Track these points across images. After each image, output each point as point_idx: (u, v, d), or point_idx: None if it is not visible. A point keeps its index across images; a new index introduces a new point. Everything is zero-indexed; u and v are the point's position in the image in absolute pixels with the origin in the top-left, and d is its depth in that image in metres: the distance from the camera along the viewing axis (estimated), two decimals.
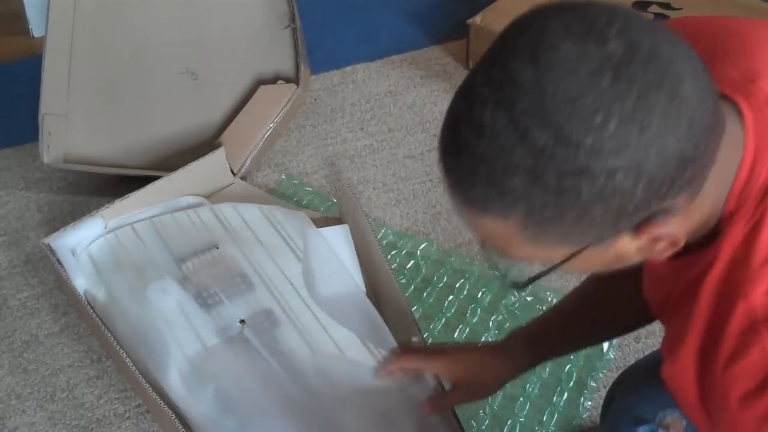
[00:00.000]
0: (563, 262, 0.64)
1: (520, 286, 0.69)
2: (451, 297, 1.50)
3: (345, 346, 1.30)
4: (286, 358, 1.28)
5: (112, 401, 1.36)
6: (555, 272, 0.66)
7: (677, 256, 0.68)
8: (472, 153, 0.59)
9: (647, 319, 0.98)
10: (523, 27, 0.59)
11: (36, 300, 1.51)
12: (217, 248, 1.44)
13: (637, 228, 0.61)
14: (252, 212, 1.53)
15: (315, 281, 1.39)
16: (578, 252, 0.62)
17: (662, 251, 0.64)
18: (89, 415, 1.35)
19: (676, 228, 0.62)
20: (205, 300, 1.36)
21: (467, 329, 1.45)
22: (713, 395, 0.67)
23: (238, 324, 1.32)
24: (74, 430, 1.33)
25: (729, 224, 0.66)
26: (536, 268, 0.68)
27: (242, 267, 1.41)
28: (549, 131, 0.55)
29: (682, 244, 0.63)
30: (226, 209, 1.53)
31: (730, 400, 0.65)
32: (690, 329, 0.69)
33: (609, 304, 0.98)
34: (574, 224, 0.59)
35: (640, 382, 0.97)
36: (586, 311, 1.00)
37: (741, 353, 0.64)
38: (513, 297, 1.49)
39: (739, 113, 0.66)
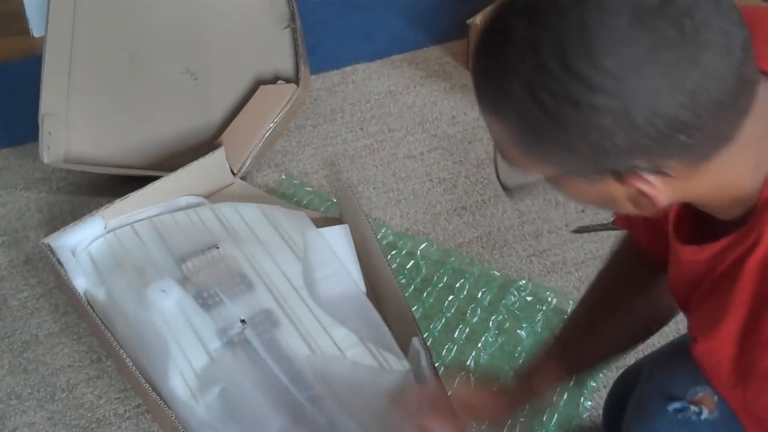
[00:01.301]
0: (550, 180, 0.67)
1: (507, 189, 0.72)
2: (451, 297, 1.50)
3: (345, 347, 1.30)
4: (286, 360, 1.28)
5: (112, 401, 1.36)
6: (546, 190, 0.69)
7: (712, 238, 0.69)
8: (491, 53, 0.63)
9: (663, 320, 0.99)
10: None
11: (36, 300, 1.51)
12: (218, 248, 1.44)
13: (620, 176, 0.63)
14: (252, 212, 1.52)
15: (315, 281, 1.39)
16: (564, 176, 0.65)
17: (646, 207, 0.66)
18: (89, 415, 1.35)
19: (664, 191, 0.63)
20: (205, 300, 1.36)
21: (467, 329, 1.45)
22: (753, 372, 0.68)
23: (239, 324, 1.32)
24: (74, 430, 1.33)
25: None
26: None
27: (242, 267, 1.41)
28: (556, 53, 0.58)
29: (661, 206, 0.65)
30: (226, 209, 1.53)
31: None
32: (730, 309, 0.69)
33: (623, 297, 0.99)
34: (558, 148, 0.62)
35: (671, 362, 0.94)
36: (604, 306, 1.00)
37: None
38: (513, 297, 1.49)
39: None
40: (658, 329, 1.01)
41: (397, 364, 1.27)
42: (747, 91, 0.61)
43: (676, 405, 0.84)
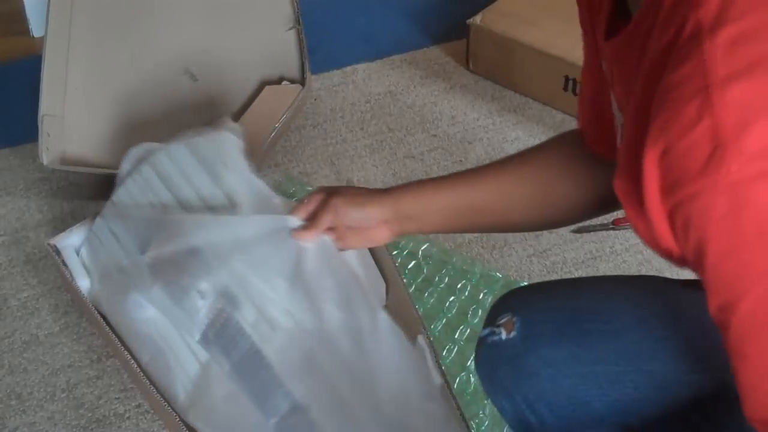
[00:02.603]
0: None
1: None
2: (452, 298, 1.50)
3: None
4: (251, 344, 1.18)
5: (112, 401, 1.36)
6: None
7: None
8: None
9: (594, 211, 1.01)
10: None
11: (36, 300, 1.51)
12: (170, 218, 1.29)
13: None
14: (183, 156, 1.34)
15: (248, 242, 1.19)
16: None
17: None
18: (89, 415, 1.35)
19: None
20: (174, 294, 1.24)
21: (468, 330, 1.45)
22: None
23: (206, 320, 1.20)
24: (74, 430, 1.33)
25: None
26: None
27: (191, 239, 1.23)
28: None
29: None
30: (162, 158, 1.36)
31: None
32: (640, 79, 0.66)
33: (550, 174, 0.98)
34: None
35: (493, 303, 1.03)
36: (526, 176, 0.99)
37: (678, 65, 0.60)
38: None
39: None
40: (565, 225, 1.07)
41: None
42: None
43: (485, 331, 0.96)
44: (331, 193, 1.02)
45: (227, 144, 1.30)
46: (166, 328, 1.28)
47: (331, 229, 1.03)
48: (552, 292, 1.00)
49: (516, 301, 0.99)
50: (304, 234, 1.02)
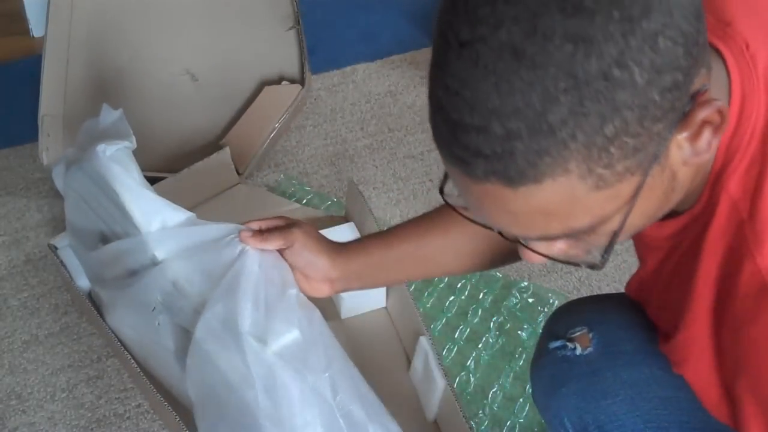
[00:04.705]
0: (634, 197, 0.57)
1: (600, 264, 0.63)
2: (452, 297, 1.50)
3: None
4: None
5: (112, 401, 1.36)
6: (618, 235, 0.60)
7: (671, 216, 0.67)
8: (495, 115, 0.53)
9: (487, 265, 0.98)
10: None
11: (36, 300, 1.51)
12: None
13: (685, 116, 0.56)
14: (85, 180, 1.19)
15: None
16: (643, 182, 0.57)
17: (707, 144, 0.58)
18: (89, 415, 1.35)
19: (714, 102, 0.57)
20: (140, 312, 1.14)
21: (468, 330, 1.45)
22: (733, 357, 0.67)
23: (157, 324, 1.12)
24: (74, 430, 1.33)
25: (724, 175, 0.64)
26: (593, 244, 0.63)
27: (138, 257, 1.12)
28: (563, 32, 0.50)
29: (727, 117, 0.58)
30: (79, 178, 1.20)
31: (750, 361, 0.65)
32: (698, 290, 0.68)
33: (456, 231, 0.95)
34: (639, 127, 0.53)
35: (559, 310, 1.02)
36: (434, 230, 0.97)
37: (753, 319, 0.63)
38: (515, 299, 1.49)
39: (721, 59, 0.63)
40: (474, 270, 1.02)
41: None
42: (705, 33, 0.58)
43: (556, 343, 0.92)
44: (292, 224, 0.97)
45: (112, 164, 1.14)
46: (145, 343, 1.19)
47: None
48: (629, 308, 0.93)
49: (591, 314, 0.95)
50: (250, 239, 0.95)
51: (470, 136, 0.55)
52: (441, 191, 0.68)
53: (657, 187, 0.59)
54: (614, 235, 0.60)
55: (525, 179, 0.54)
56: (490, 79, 0.52)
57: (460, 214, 0.67)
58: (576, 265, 0.65)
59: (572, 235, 0.60)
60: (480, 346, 1.43)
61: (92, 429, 1.33)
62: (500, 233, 0.64)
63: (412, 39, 2.08)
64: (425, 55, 2.06)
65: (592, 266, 0.63)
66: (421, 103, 1.91)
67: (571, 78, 0.51)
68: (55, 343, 1.44)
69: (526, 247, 0.64)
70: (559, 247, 0.64)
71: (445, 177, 0.65)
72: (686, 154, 0.58)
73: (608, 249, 0.61)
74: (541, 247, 0.64)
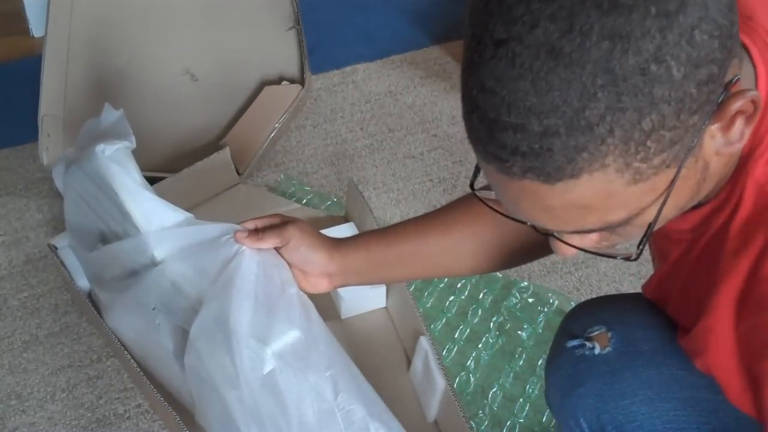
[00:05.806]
0: (669, 188, 0.58)
1: (636, 256, 0.63)
2: (452, 297, 1.50)
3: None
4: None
5: (112, 401, 1.36)
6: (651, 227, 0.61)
7: (697, 207, 0.68)
8: (533, 113, 0.53)
9: (498, 266, 0.97)
10: None
11: (36, 300, 1.51)
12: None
13: (719, 107, 0.57)
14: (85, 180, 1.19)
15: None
16: (678, 173, 0.58)
17: (740, 134, 0.59)
18: (89, 415, 1.35)
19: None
20: (138, 314, 1.15)
21: (468, 330, 1.45)
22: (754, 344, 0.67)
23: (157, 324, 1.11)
24: (74, 430, 1.33)
25: (749, 162, 0.65)
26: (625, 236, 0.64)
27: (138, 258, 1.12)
28: (600, 29, 0.51)
29: (760, 106, 0.59)
30: (79, 178, 1.20)
31: None
32: (723, 275, 0.68)
33: (470, 231, 0.95)
34: (676, 120, 0.54)
35: (576, 308, 1.02)
36: (443, 230, 0.97)
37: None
38: (515, 299, 1.49)
39: (746, 51, 0.64)
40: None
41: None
42: (737, 22, 0.59)
43: (574, 342, 0.92)
44: (287, 221, 0.97)
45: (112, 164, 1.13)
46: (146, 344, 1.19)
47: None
48: (647, 309, 0.93)
49: (609, 314, 0.94)
50: (246, 239, 0.95)
51: (507, 134, 0.55)
52: (471, 186, 0.68)
53: (690, 177, 0.60)
54: (649, 227, 0.61)
55: (562, 175, 0.55)
56: (527, 78, 0.53)
57: (492, 208, 0.67)
58: (611, 257, 0.66)
59: (607, 228, 0.61)
60: (480, 346, 1.43)
61: (92, 429, 1.33)
62: (533, 227, 0.65)
63: (412, 39, 2.09)
64: (425, 55, 2.07)
65: (627, 258, 0.64)
66: (421, 103, 1.91)
67: (608, 74, 0.52)
68: (55, 343, 1.44)
69: (560, 240, 0.65)
70: (592, 239, 0.65)
71: (476, 172, 0.66)
72: (719, 144, 0.59)
73: (643, 240, 0.62)
74: (575, 239, 0.65)
